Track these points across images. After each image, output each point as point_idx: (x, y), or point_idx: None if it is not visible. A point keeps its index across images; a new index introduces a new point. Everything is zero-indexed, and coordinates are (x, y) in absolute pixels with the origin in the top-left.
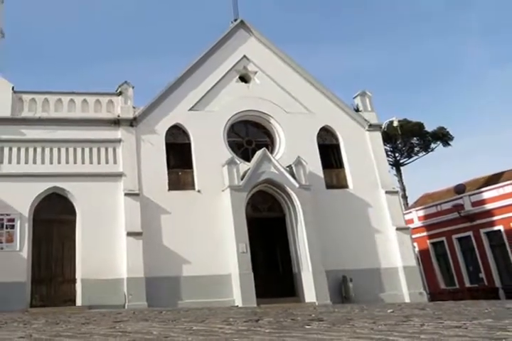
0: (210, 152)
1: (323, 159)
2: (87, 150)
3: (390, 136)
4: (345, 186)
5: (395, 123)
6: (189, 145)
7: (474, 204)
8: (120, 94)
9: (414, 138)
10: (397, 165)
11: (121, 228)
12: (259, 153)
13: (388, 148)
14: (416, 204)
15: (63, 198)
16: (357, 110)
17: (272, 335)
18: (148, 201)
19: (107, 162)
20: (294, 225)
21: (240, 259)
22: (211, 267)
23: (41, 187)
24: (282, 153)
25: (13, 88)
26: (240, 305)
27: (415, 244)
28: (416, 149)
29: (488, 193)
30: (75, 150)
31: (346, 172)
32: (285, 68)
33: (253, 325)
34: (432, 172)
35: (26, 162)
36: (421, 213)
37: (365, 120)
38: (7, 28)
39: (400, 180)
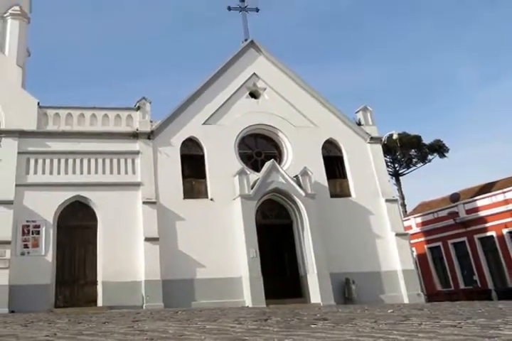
0: (222, 163)
1: (327, 170)
2: (107, 161)
3: (389, 148)
4: (348, 195)
5: (395, 136)
6: (202, 156)
7: (468, 211)
8: (138, 109)
9: (413, 150)
10: (396, 175)
11: (140, 234)
12: (267, 164)
13: (388, 160)
14: (414, 211)
15: (85, 206)
16: (359, 124)
17: (279, 334)
18: (164, 209)
19: (126, 172)
20: (300, 231)
21: (250, 263)
22: (223, 270)
23: (65, 195)
24: (289, 164)
25: (38, 103)
26: (250, 305)
27: (413, 249)
28: (414, 160)
29: (481, 201)
30: (96, 161)
31: (349, 182)
32: (292, 85)
33: (262, 324)
34: (429, 182)
35: (51, 172)
36: (419, 220)
37: (367, 133)
38: (33, 46)
39: (399, 189)
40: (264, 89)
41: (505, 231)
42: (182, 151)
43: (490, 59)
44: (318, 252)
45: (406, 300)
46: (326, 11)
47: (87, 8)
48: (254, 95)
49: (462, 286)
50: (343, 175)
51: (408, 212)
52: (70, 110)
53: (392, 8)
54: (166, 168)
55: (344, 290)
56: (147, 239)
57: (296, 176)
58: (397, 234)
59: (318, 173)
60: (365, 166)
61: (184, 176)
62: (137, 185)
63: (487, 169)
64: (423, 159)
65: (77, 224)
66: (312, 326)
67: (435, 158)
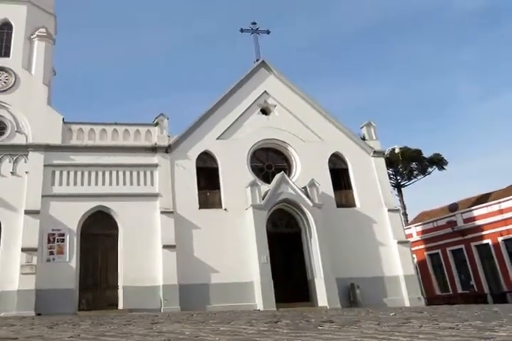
0: (235, 175)
1: (333, 181)
2: (128, 173)
3: (392, 161)
4: (353, 205)
5: (397, 150)
6: (217, 169)
7: (466, 220)
8: (157, 124)
9: (414, 163)
10: (398, 186)
11: (158, 241)
12: (278, 176)
13: (391, 172)
14: (415, 220)
15: (107, 215)
16: (363, 138)
17: (289, 335)
18: (181, 218)
19: (145, 184)
20: (308, 239)
21: (261, 269)
22: (236, 275)
23: (88, 205)
24: (298, 176)
25: (63, 119)
26: (261, 308)
27: (414, 256)
28: (415, 172)
29: (478, 211)
30: (117, 173)
31: (354, 193)
32: (300, 102)
33: (273, 326)
34: (429, 193)
35: (75, 184)
36: (419, 228)
37: (371, 147)
38: (58, 66)
39: (401, 200)
40: (275, 106)
41: (500, 239)
42: (197, 164)
43: (487, 76)
44: (325, 258)
45: (407, 304)
46: (332, 33)
47: (108, 30)
48: (265, 112)
49: (460, 290)
50: (349, 187)
51: (409, 221)
52: (92, 125)
53: (393, 31)
54: (183, 179)
55: (349, 294)
56: (165, 247)
57: (305, 187)
58: (398, 242)
59: (325, 185)
60: (369, 178)
61: (199, 187)
62: (155, 195)
63: (483, 181)
64: (423, 171)
65: (99, 232)
66: (319, 328)
67: (434, 171)
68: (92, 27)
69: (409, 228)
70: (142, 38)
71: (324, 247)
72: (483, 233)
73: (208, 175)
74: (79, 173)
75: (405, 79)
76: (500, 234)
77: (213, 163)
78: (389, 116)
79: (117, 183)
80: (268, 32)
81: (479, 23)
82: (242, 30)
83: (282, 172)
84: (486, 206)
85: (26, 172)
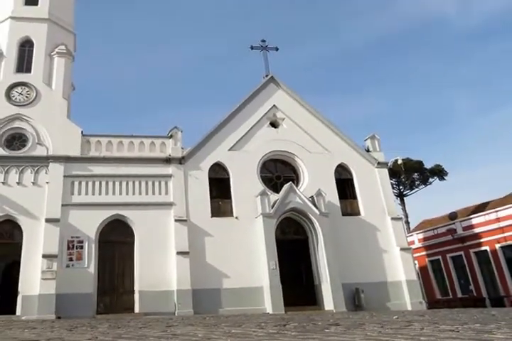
0: (246, 185)
1: (339, 191)
2: (143, 183)
3: (395, 171)
4: (357, 213)
5: (399, 162)
6: (228, 179)
7: (465, 228)
8: (171, 137)
9: (415, 174)
10: (401, 196)
11: (172, 248)
12: (286, 186)
13: (393, 182)
14: (416, 228)
15: (124, 223)
16: (367, 150)
17: (297, 337)
18: (194, 226)
19: (160, 193)
20: (315, 245)
21: (270, 274)
22: (246, 280)
23: (105, 214)
24: (305, 186)
25: (82, 132)
26: (271, 312)
27: (416, 262)
28: (417, 183)
29: (476, 219)
30: (133, 183)
31: (359, 202)
32: (308, 115)
33: (281, 329)
34: (430, 202)
35: (93, 193)
36: (421, 236)
37: (375, 159)
38: (77, 81)
39: (404, 209)
40: (283, 119)
41: (497, 246)
42: (210, 175)
43: (484, 91)
44: (331, 264)
45: (409, 308)
46: (337, 50)
47: (125, 48)
48: (274, 125)
49: (459, 295)
50: (353, 196)
51: (411, 229)
52: (110, 138)
53: (395, 50)
54: (196, 189)
55: (354, 299)
56: (179, 253)
57: (312, 197)
58: (401, 249)
59: (331, 194)
60: (373, 188)
61: (212, 197)
62: (170, 204)
63: (481, 191)
64: (425, 182)
65: (116, 239)
66: (326, 330)
67: (435, 181)
68: (109, 44)
69: (411, 235)
70: (157, 55)
71: (330, 253)
72: (482, 240)
73: (219, 185)
74: (97, 183)
75: (406, 95)
76: (498, 241)
77: (225, 173)
78: (392, 128)
79: (133, 193)
80: (277, 49)
81: (476, 39)
82: (252, 48)
83: (290, 182)
84: (484, 215)
85: (47, 183)
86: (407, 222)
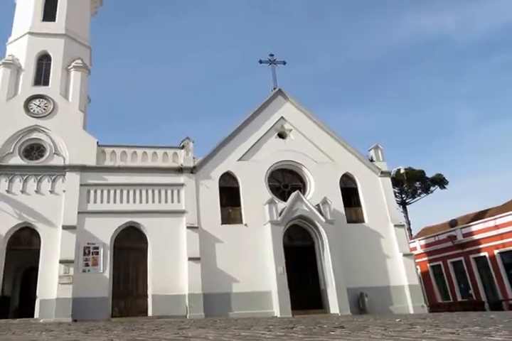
0: (254, 193)
1: (344, 199)
2: (156, 192)
3: (397, 180)
4: (362, 221)
5: (402, 171)
6: (238, 188)
7: (465, 235)
8: (183, 147)
9: (417, 183)
10: (403, 204)
11: (184, 254)
12: (293, 195)
13: (396, 190)
14: (418, 235)
15: (137, 230)
16: (371, 160)
17: (303, 340)
18: (205, 232)
19: (172, 201)
20: (321, 251)
21: (278, 279)
22: (255, 285)
23: (120, 221)
24: (312, 195)
25: (97, 143)
26: (278, 315)
27: (418, 267)
28: (418, 191)
29: (476, 226)
30: (147, 192)
31: (363, 210)
32: (314, 127)
33: (289, 332)
34: (431, 210)
35: (108, 201)
36: (422, 242)
37: (378, 168)
38: (93, 94)
39: (406, 216)
40: (291, 130)
41: (496, 252)
42: (220, 183)
43: (483, 104)
44: (337, 269)
45: (411, 311)
46: (343, 65)
47: (139, 61)
48: (281, 136)
49: (459, 299)
50: (358, 204)
51: (413, 236)
52: (124, 148)
53: (398, 64)
54: (207, 197)
55: (359, 302)
56: (190, 259)
57: (318, 205)
58: (403, 255)
59: (337, 202)
60: (377, 196)
61: (222, 205)
62: (182, 212)
63: (481, 199)
64: (426, 190)
65: (130, 245)
66: (331, 333)
67: (436, 190)
68: (124, 58)
69: (414, 242)
70: (169, 69)
71: (336, 259)
72: (481, 246)
73: (229, 193)
74: (112, 192)
75: (408, 107)
76: (496, 247)
77: (234, 182)
78: (395, 139)
79: (147, 201)
80: (284, 63)
81: (477, 54)
82: (260, 62)
83: (297, 191)
84: (483, 222)
85: (64, 191)
86: (409, 229)
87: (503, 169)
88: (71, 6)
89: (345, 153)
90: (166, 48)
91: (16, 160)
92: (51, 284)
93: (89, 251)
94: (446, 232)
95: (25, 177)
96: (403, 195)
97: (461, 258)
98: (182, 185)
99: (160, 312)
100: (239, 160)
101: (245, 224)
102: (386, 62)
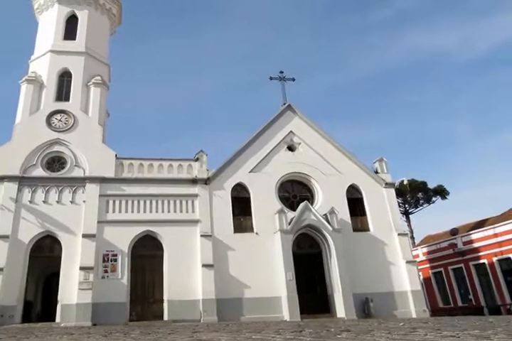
0: (265, 203)
1: (350, 209)
2: (172, 202)
3: (401, 191)
4: (367, 229)
5: (405, 182)
6: (249, 198)
7: (465, 243)
8: (197, 159)
9: (420, 193)
10: (406, 213)
11: (198, 261)
12: (302, 205)
13: (400, 201)
14: (421, 243)
15: (154, 238)
16: (376, 172)
17: None
18: (218, 241)
19: (187, 211)
20: (328, 259)
21: (287, 285)
22: (266, 291)
23: (137, 230)
24: (320, 205)
25: (116, 155)
26: (288, 319)
27: (420, 273)
28: (421, 201)
29: (475, 235)
30: (163, 202)
31: (368, 219)
32: (322, 140)
33: (298, 335)
34: (433, 219)
35: (126, 211)
36: (425, 250)
37: (383, 179)
38: (112, 109)
39: (409, 225)
40: (299, 143)
41: (495, 259)
42: (232, 194)
43: (483, 117)
44: (343, 276)
45: (414, 315)
46: (348, 81)
47: (155, 78)
48: (291, 148)
49: (460, 304)
50: (363, 214)
51: (416, 244)
52: (141, 160)
53: (401, 80)
54: (220, 207)
55: (364, 307)
56: (204, 266)
57: (325, 214)
58: (407, 262)
59: (343, 212)
60: (381, 206)
61: (234, 214)
62: (196, 221)
63: (481, 208)
64: (428, 200)
65: (147, 253)
66: (338, 336)
67: (438, 200)
68: (141, 74)
69: (416, 249)
70: (184, 83)
71: (342, 266)
72: (480, 254)
73: (241, 203)
74: (129, 202)
75: (411, 121)
76: (495, 254)
77: (246, 193)
78: (398, 152)
79: (163, 211)
80: (293, 79)
81: (476, 70)
82: (271, 78)
83: (306, 201)
84: (483, 230)
85: (84, 202)
86: (412, 237)
87: (501, 180)
88: (91, 25)
89: (352, 166)
90: (182, 64)
91: (39, 172)
92: (72, 290)
93: (108, 259)
94: (448, 240)
95: (47, 188)
96: (406, 205)
97: (462, 265)
98: (196, 195)
99: (175, 316)
100: (250, 171)
101: (256, 233)
102: (389, 78)
